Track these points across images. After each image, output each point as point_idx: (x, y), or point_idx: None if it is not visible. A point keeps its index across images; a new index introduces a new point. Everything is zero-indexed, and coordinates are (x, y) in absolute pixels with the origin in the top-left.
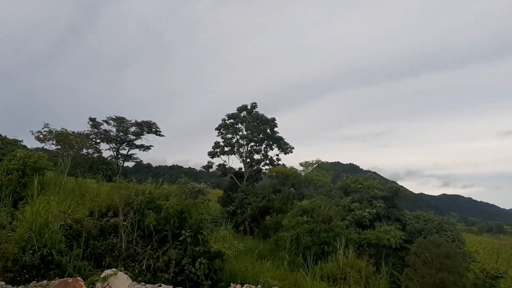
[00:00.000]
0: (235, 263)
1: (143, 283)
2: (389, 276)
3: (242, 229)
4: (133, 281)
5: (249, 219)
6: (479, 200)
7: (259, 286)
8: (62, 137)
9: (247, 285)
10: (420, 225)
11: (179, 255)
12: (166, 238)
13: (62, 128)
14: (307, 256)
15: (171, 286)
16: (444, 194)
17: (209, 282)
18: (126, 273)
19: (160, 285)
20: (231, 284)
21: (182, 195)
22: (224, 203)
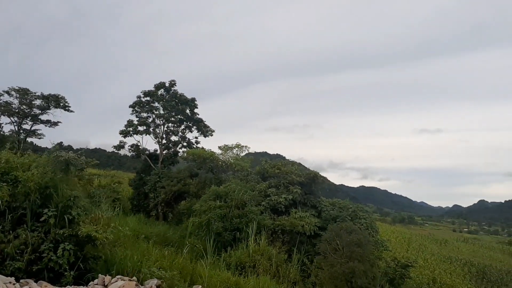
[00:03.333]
0: (118, 251)
1: None
2: (301, 264)
3: (154, 214)
4: None
5: (162, 204)
6: (393, 193)
7: (134, 277)
8: None
9: (119, 276)
10: (335, 212)
11: (39, 238)
12: (25, 218)
13: None
14: (208, 243)
15: (13, 278)
16: (362, 186)
17: (73, 273)
18: None
19: None
20: (100, 275)
21: (47, 167)
22: (136, 186)
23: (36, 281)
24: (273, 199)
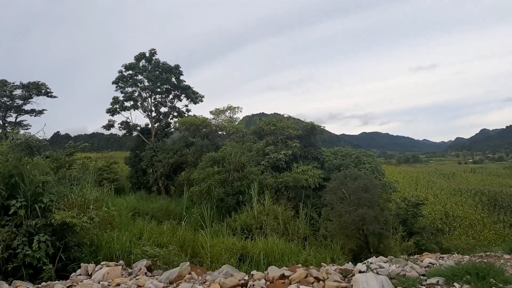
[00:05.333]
0: (105, 234)
1: None
2: (310, 218)
3: (155, 189)
4: None
5: (162, 178)
6: (395, 135)
7: (121, 261)
8: None
9: (104, 262)
10: (338, 160)
11: (10, 233)
12: None
13: None
14: (205, 211)
15: None
16: (363, 132)
17: (55, 266)
18: None
19: None
20: (82, 264)
21: (9, 154)
22: (133, 163)
23: (12, 281)
24: (272, 156)
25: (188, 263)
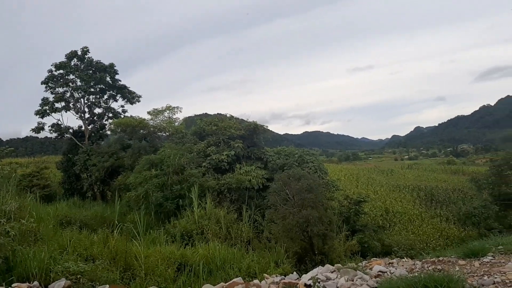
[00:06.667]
0: (23, 249)
1: None
2: (253, 220)
3: (91, 195)
4: None
5: (97, 183)
6: (336, 133)
7: (35, 282)
8: None
9: (15, 284)
10: (281, 160)
11: None
12: None
13: None
14: (138, 218)
15: None
16: (306, 131)
17: None
18: None
19: None
20: None
21: None
22: (65, 168)
23: None
24: (214, 158)
25: (107, 286)
